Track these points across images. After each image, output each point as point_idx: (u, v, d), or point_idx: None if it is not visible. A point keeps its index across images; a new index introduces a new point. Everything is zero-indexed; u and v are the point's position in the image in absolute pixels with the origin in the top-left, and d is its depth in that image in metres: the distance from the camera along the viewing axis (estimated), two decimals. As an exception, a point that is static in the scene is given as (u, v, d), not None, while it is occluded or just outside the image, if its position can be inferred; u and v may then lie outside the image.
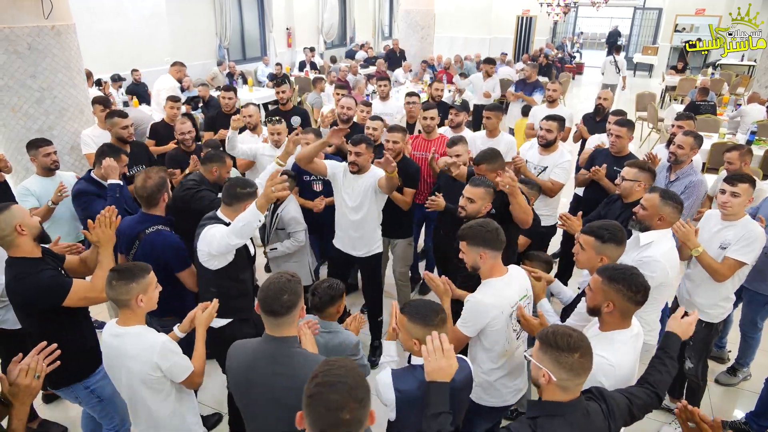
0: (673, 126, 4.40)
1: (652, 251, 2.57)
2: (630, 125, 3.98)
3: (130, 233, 2.78)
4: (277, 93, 5.31)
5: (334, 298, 2.41)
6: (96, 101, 4.59)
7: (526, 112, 6.62)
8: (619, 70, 10.51)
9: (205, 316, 2.33)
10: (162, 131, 4.99)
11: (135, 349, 2.07)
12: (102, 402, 2.54)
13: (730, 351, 3.92)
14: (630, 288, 1.91)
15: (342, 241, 3.64)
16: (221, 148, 4.20)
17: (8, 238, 2.23)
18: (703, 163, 6.28)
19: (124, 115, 4.07)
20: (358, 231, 3.50)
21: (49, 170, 3.57)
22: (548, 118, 4.08)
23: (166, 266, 2.72)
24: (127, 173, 4.03)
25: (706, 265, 2.89)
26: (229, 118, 5.09)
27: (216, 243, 2.51)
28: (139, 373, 2.08)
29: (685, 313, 2.10)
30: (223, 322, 2.72)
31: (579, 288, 2.64)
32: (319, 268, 4.19)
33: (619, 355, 1.92)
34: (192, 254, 2.75)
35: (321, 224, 3.96)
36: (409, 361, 2.02)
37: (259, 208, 2.38)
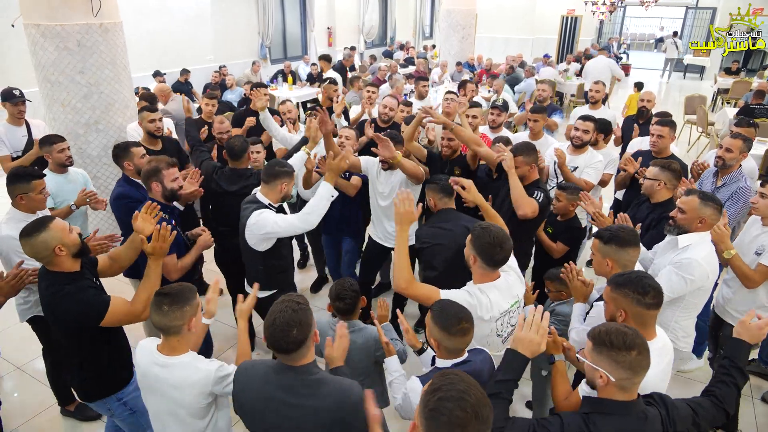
0: (731, 132, 4.19)
1: (691, 253, 2.47)
2: (672, 125, 3.87)
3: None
4: (325, 91, 5.82)
5: (358, 295, 2.42)
6: (143, 98, 4.73)
7: (640, 86, 8.23)
8: (678, 48, 15.68)
9: (245, 307, 2.23)
10: (197, 127, 5.12)
11: (186, 380, 1.90)
12: (134, 414, 2.41)
13: (779, 368, 3.70)
14: (636, 290, 1.79)
15: (377, 231, 3.79)
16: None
17: (47, 258, 2.11)
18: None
19: (153, 110, 4.16)
20: (390, 217, 3.57)
21: (63, 166, 3.56)
22: (584, 118, 3.95)
23: None
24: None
25: (737, 269, 2.80)
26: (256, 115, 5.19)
27: (283, 228, 2.72)
28: (186, 402, 1.92)
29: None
30: (269, 293, 2.92)
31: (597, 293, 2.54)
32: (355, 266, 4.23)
33: None
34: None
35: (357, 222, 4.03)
36: (432, 363, 1.99)
37: (329, 181, 2.73)
